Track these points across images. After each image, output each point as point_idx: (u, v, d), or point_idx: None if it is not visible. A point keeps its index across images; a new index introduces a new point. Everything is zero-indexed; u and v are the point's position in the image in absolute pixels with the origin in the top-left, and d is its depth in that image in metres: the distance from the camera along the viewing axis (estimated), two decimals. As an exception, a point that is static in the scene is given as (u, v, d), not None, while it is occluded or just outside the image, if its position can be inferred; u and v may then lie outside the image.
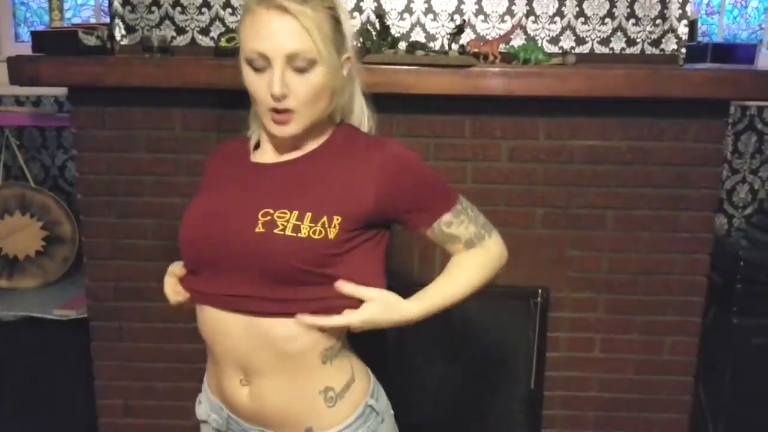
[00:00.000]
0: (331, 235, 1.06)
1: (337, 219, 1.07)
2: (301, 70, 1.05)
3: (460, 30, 1.79)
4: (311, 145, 1.16)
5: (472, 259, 1.21)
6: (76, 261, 2.35)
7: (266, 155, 1.19)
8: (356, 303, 1.11)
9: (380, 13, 1.83)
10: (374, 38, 1.81)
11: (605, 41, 1.97)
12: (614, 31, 1.96)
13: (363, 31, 1.90)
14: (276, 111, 1.08)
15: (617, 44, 1.97)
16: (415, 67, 1.73)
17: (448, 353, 2.02)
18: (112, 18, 2.01)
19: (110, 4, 2.00)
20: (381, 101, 1.56)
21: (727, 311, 2.21)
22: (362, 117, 1.24)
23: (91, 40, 1.91)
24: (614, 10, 1.95)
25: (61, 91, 2.44)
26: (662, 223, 1.95)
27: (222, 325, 1.11)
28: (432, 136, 1.92)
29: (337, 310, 1.09)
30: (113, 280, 2.05)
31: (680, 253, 1.96)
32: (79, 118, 1.95)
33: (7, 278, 2.36)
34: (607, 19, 1.96)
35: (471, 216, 1.21)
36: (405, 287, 1.18)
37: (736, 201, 2.62)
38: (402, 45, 1.89)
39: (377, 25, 1.85)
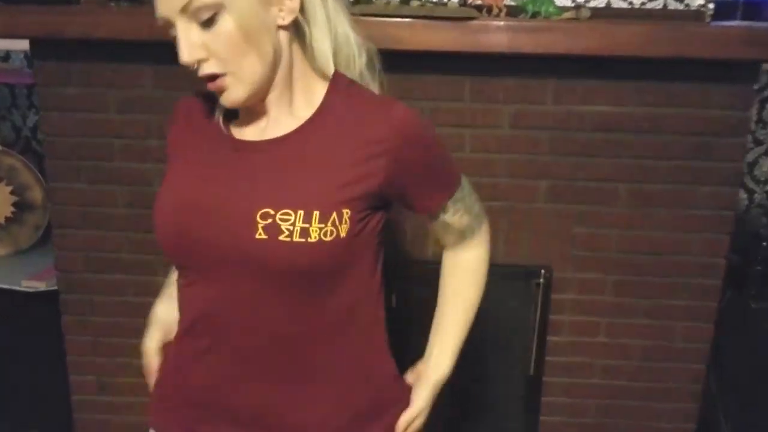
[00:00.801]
0: (343, 232, 0.93)
1: (347, 212, 0.93)
2: (207, 24, 0.88)
3: (460, -20, 1.60)
4: (301, 113, 0.98)
5: (468, 277, 1.22)
6: (48, 229, 2.21)
7: (248, 131, 1.01)
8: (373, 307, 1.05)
9: (372, -41, 1.64)
10: (365, -12, 1.62)
11: (623, -5, 1.78)
12: (633, -17, 1.77)
13: (353, -21, 1.71)
14: (209, 79, 0.92)
15: (636, -2, 1.78)
16: (409, 19, 1.54)
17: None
18: (78, -36, 1.82)
19: (75, -52, 1.82)
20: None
21: (743, 295, 2.05)
22: (351, 61, 1.05)
23: (54, -12, 1.73)
24: (634, -41, 1.75)
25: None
26: (679, 199, 1.77)
27: None
28: (427, 99, 1.74)
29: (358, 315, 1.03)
30: (84, 250, 1.90)
31: (697, 232, 1.79)
32: (43, 74, 1.78)
33: (-24, 245, 2.22)
34: (626, -29, 1.76)
35: (468, 204, 1.09)
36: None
37: (758, 175, 2.43)
38: (396, -4, 1.70)
39: (369, -26, 1.66)
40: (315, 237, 0.90)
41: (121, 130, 1.81)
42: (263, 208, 0.91)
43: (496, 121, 1.75)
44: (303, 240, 0.90)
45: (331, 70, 1.01)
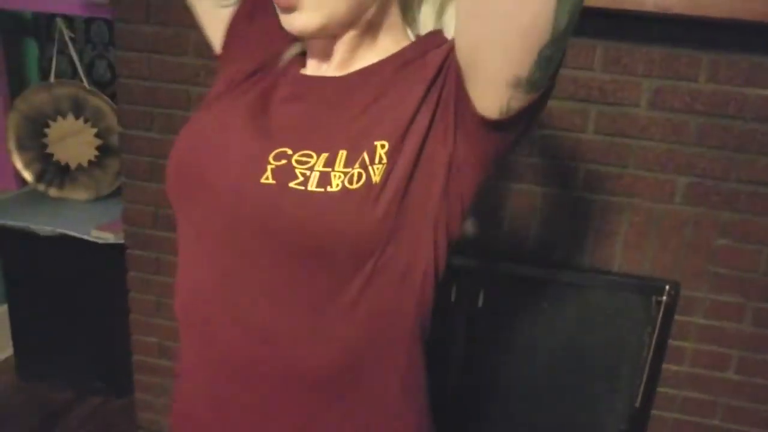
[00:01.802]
0: (376, 175, 0.66)
1: (382, 146, 0.67)
2: None
3: None
4: (368, 59, 0.75)
5: None
6: (127, 176, 2.11)
7: (309, 67, 0.79)
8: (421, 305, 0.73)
9: None
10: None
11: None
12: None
13: None
14: None
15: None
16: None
17: (530, 346, 1.59)
18: None
19: None
20: None
21: None
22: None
23: None
24: None
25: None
26: None
27: None
28: (547, 66, 1.44)
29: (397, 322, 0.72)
30: (153, 204, 1.77)
31: None
32: (121, 7, 1.63)
33: (58, 187, 2.16)
34: None
35: None
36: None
37: None
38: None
39: None
40: (337, 185, 0.65)
41: (198, 77, 1.64)
42: (280, 147, 0.69)
43: (631, 98, 1.42)
44: (321, 189, 0.65)
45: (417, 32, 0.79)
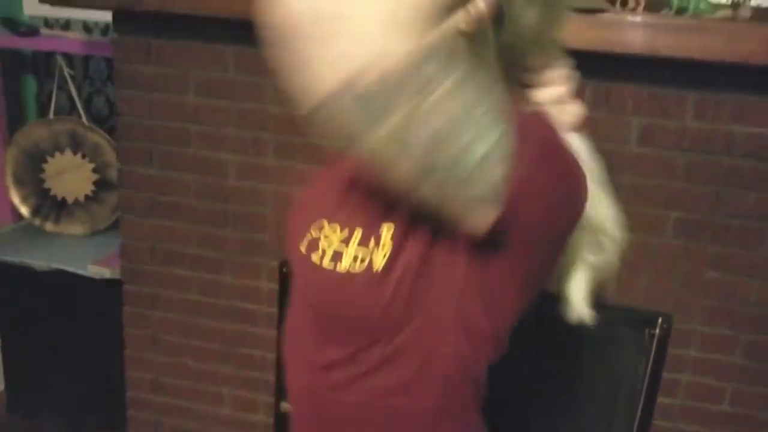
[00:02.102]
0: (377, 261, 0.65)
1: (388, 227, 0.66)
2: None
3: (592, -37, 1.32)
4: None
5: None
6: (124, 211, 2.12)
7: None
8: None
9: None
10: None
11: (798, -8, 1.44)
12: (814, -23, 1.42)
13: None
14: None
15: (816, -3, 1.43)
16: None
17: (527, 375, 1.60)
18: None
19: None
20: None
21: None
22: None
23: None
24: (818, -53, 1.41)
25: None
26: None
27: None
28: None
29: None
30: (150, 240, 1.79)
31: None
32: (122, 48, 1.67)
33: (54, 222, 2.16)
34: (806, -39, 1.42)
35: None
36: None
37: None
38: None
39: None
40: (344, 266, 0.67)
41: (198, 115, 1.67)
42: (321, 218, 0.72)
43: (621, 135, 1.47)
44: (331, 267, 0.68)
45: None
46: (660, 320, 1.50)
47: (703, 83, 1.40)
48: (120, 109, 1.71)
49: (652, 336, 1.51)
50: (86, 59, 2.31)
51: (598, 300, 1.53)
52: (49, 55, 2.34)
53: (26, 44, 2.05)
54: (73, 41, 2.04)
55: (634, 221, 1.49)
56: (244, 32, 1.24)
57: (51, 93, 2.20)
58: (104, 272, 1.88)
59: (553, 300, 1.55)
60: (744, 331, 1.51)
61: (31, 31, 2.04)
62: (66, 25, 2.31)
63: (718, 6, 1.39)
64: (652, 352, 1.51)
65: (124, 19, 1.63)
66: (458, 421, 0.77)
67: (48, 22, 2.31)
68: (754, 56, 1.24)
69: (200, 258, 1.77)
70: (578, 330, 1.55)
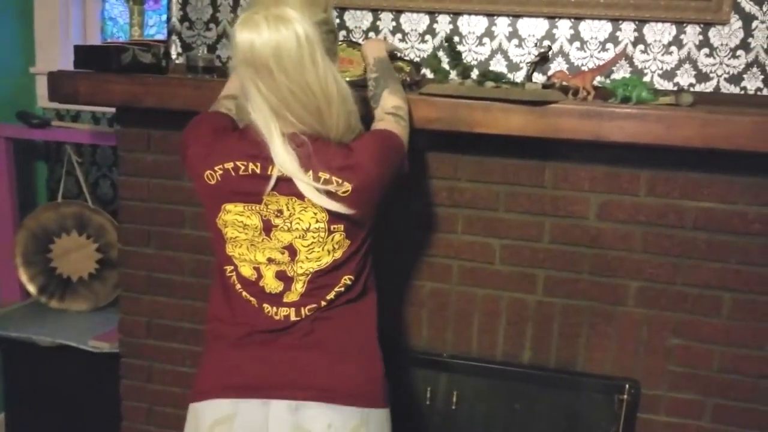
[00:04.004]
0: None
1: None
2: None
3: (543, 58, 1.47)
4: None
5: None
6: (125, 288, 2.23)
7: None
8: None
9: (449, 38, 1.55)
10: (440, 66, 1.53)
11: (735, 78, 1.57)
12: (748, 66, 1.56)
13: (430, 58, 1.63)
14: None
15: (752, 83, 1.56)
16: (485, 101, 1.43)
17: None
18: (169, 34, 1.88)
19: (168, 20, 1.88)
20: (447, 138, 1.42)
21: None
22: None
23: (146, 58, 1.77)
24: (750, 40, 1.55)
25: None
26: (798, 315, 1.50)
27: None
28: (503, 183, 1.60)
29: None
30: (147, 315, 1.89)
31: (822, 357, 1.50)
32: (125, 139, 1.82)
33: (59, 299, 2.28)
34: (740, 52, 1.56)
35: None
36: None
37: None
38: (475, 75, 1.60)
39: (447, 51, 1.58)
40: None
41: (192, 198, 1.80)
42: None
43: (580, 211, 1.58)
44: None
45: None
46: (627, 386, 1.57)
47: (654, 163, 1.52)
48: (122, 194, 1.85)
49: (621, 401, 1.57)
50: (94, 147, 2.48)
51: (569, 368, 1.61)
52: (60, 144, 2.51)
53: (38, 135, 2.22)
54: (81, 132, 2.20)
55: (596, 291, 1.59)
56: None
57: (60, 179, 2.35)
58: (104, 346, 1.98)
59: (528, 372, 1.63)
60: (710, 395, 1.57)
61: (43, 123, 2.21)
62: (76, 116, 2.49)
63: (662, 92, 1.51)
64: (622, 419, 1.58)
65: (126, 113, 1.79)
66: None
67: (60, 114, 2.50)
68: (693, 140, 1.36)
69: (192, 331, 1.86)
70: (552, 396, 1.63)
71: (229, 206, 1.11)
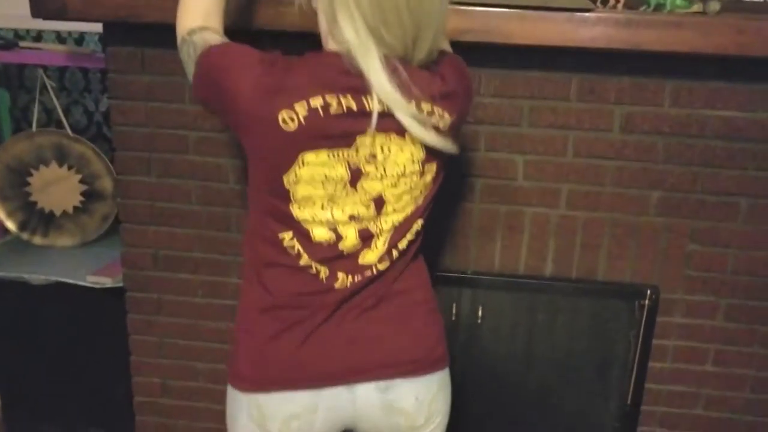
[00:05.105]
0: None
1: None
2: None
3: (576, -35, 1.41)
4: None
5: None
6: (116, 219, 2.12)
7: None
8: None
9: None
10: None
11: (757, -15, 1.57)
12: (771, -29, 1.56)
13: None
14: None
15: (773, -11, 1.57)
16: (519, 10, 1.38)
17: (528, 354, 1.71)
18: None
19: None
20: (471, 51, 1.28)
21: None
22: None
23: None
24: (774, -56, 1.54)
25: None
26: (810, 218, 1.57)
27: None
28: (528, 97, 1.57)
29: None
30: (152, 247, 1.81)
31: (830, 256, 1.59)
32: (115, 59, 1.68)
33: (42, 235, 2.15)
34: (764, -43, 1.55)
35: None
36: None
37: None
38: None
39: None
40: None
41: (196, 122, 1.70)
42: None
43: (604, 124, 1.58)
44: None
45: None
46: (649, 292, 1.62)
47: (677, 73, 1.52)
48: (115, 119, 1.73)
49: (642, 307, 1.64)
50: (61, 70, 2.30)
51: (590, 277, 1.65)
52: (21, 68, 2.31)
53: (5, 58, 2.03)
54: (56, 54, 2.02)
55: (618, 202, 1.61)
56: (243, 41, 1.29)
57: (26, 106, 2.18)
58: (105, 281, 1.90)
59: (551, 283, 1.66)
60: (723, 296, 1.65)
61: (9, 44, 2.02)
62: (38, 37, 2.29)
63: (691, 0, 1.50)
64: (643, 322, 1.64)
65: (116, 29, 1.65)
66: None
67: (18, 34, 2.29)
68: (728, 47, 1.36)
69: (202, 261, 1.80)
70: (575, 305, 1.67)
71: (309, 156, 0.89)
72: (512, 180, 1.64)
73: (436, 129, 0.92)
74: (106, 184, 2.13)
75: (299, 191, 0.92)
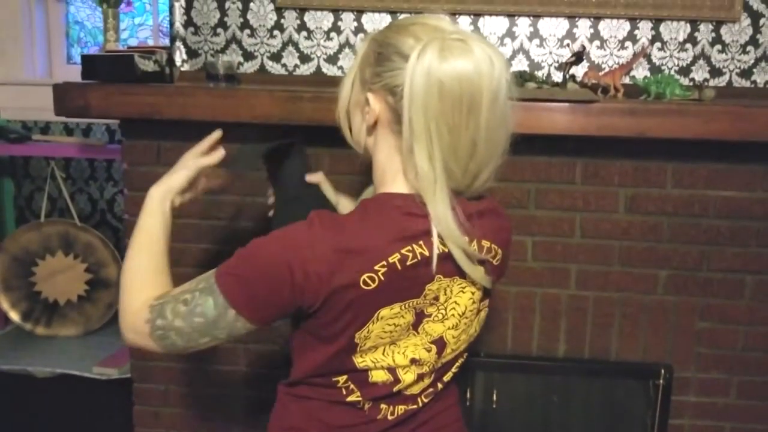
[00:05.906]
0: None
1: None
2: None
3: (578, 58, 1.50)
4: None
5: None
6: (121, 308, 2.11)
7: None
8: None
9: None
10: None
11: (746, 73, 1.66)
12: (758, 61, 1.65)
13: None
14: None
15: (761, 77, 1.66)
16: (527, 102, 1.44)
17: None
18: (173, 41, 1.79)
19: (171, 24, 1.78)
20: None
21: None
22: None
23: (148, 65, 1.67)
24: (758, 36, 1.64)
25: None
26: (815, 293, 1.61)
27: None
28: (535, 181, 1.63)
29: None
30: (161, 336, 1.79)
31: (837, 331, 1.61)
32: (132, 152, 1.72)
33: (45, 325, 2.13)
34: (750, 47, 1.65)
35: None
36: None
37: None
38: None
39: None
40: None
41: (209, 212, 1.72)
42: None
43: (610, 205, 1.62)
44: None
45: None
46: (663, 371, 1.63)
47: (678, 156, 1.58)
48: (129, 210, 1.75)
49: (657, 386, 1.64)
50: (67, 160, 2.33)
51: (603, 357, 1.65)
52: (29, 158, 2.35)
53: (18, 151, 2.06)
54: (68, 146, 2.06)
55: (628, 281, 1.64)
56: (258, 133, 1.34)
57: (30, 195, 2.20)
58: (112, 372, 1.87)
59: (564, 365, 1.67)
60: (736, 374, 1.66)
61: (22, 138, 2.05)
62: (46, 128, 2.34)
63: (688, 88, 1.58)
64: (659, 402, 1.64)
65: (133, 124, 1.69)
66: None
67: (26, 126, 2.33)
68: (728, 133, 1.43)
69: (210, 351, 1.78)
70: (589, 386, 1.67)
71: (384, 311, 0.84)
72: (522, 261, 1.67)
73: (491, 265, 0.91)
74: (112, 272, 2.13)
75: (368, 344, 0.87)
